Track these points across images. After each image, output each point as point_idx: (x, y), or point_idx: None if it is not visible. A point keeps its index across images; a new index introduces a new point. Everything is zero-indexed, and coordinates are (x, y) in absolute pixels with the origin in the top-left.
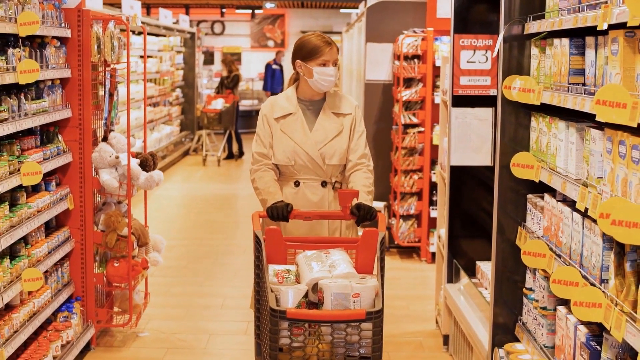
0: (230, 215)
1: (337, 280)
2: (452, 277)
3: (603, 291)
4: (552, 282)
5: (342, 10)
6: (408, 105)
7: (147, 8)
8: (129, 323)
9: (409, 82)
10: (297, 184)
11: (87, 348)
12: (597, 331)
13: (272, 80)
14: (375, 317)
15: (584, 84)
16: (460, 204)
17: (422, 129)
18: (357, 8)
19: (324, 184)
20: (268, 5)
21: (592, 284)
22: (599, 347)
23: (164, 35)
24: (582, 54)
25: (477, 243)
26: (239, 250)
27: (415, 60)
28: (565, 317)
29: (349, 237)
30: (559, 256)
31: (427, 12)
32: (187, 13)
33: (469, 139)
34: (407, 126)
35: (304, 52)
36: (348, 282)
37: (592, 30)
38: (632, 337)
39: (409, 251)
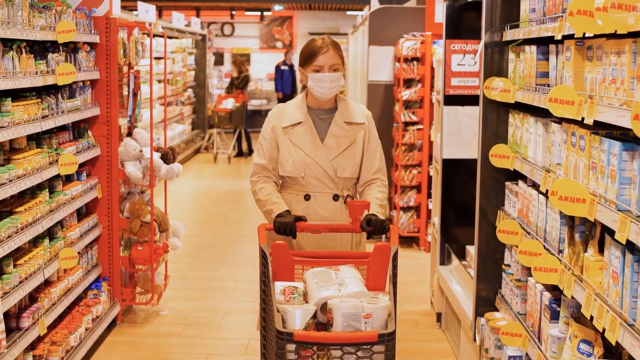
0: (240, 209)
1: (348, 299)
2: (445, 260)
3: (559, 259)
4: (518, 253)
5: (348, 13)
6: (408, 105)
7: (159, 11)
8: (151, 301)
9: (408, 83)
10: (307, 197)
11: (113, 324)
12: (558, 296)
13: (282, 81)
14: (388, 339)
15: (548, 85)
16: (452, 194)
17: (421, 127)
18: (362, 10)
19: (335, 197)
20: (276, 7)
21: (552, 254)
22: (558, 308)
23: (177, 37)
24: (547, 59)
25: (468, 229)
26: (248, 241)
27: (415, 62)
28: (534, 286)
29: (359, 252)
30: (529, 233)
31: (426, 17)
32: (197, 15)
33: (459, 135)
34: (406, 124)
35: (302, 58)
36: (359, 301)
37: (555, 39)
38: (578, 293)
39: (409, 241)
